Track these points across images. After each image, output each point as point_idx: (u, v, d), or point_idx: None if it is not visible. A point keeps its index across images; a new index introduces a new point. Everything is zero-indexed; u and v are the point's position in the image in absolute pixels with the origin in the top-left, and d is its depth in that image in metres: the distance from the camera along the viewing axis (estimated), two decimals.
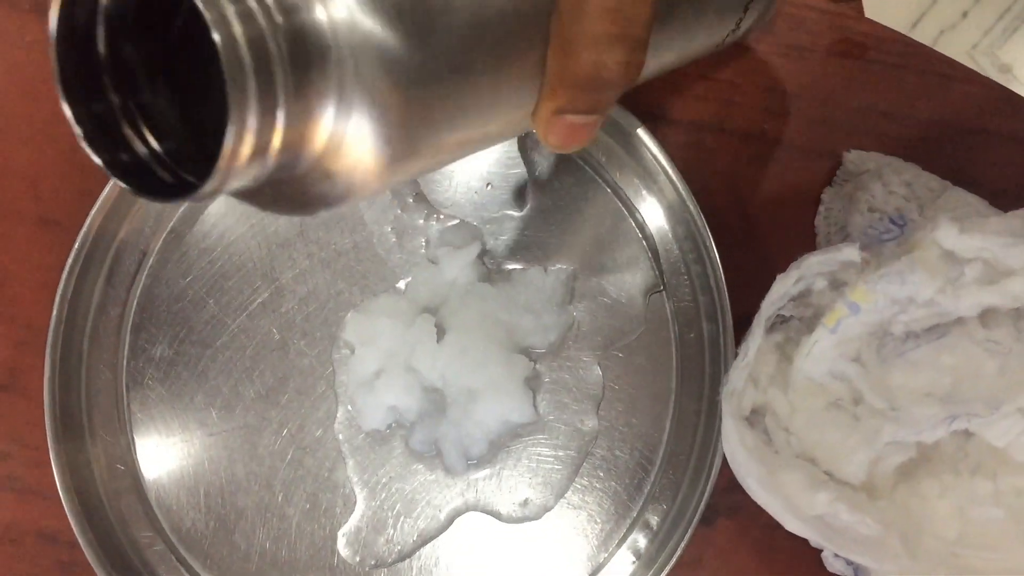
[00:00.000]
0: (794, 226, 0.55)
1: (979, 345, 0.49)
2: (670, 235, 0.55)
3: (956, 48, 1.48)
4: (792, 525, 0.47)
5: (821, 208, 0.55)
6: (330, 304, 0.55)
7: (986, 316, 0.49)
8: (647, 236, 0.56)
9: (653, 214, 0.56)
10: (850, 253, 0.50)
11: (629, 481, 0.53)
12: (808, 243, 0.55)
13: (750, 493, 0.48)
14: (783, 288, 0.50)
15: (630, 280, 0.55)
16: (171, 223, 0.55)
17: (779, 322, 0.52)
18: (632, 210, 0.56)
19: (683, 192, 0.53)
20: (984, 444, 0.48)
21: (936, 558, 0.47)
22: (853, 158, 0.54)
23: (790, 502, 0.47)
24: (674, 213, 0.55)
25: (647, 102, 0.56)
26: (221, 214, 0.55)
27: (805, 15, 0.57)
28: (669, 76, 0.56)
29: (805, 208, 0.55)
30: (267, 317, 0.54)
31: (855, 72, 0.56)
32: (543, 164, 0.56)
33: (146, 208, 0.55)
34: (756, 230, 0.55)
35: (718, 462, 0.50)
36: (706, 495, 0.50)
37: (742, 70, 0.57)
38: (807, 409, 0.50)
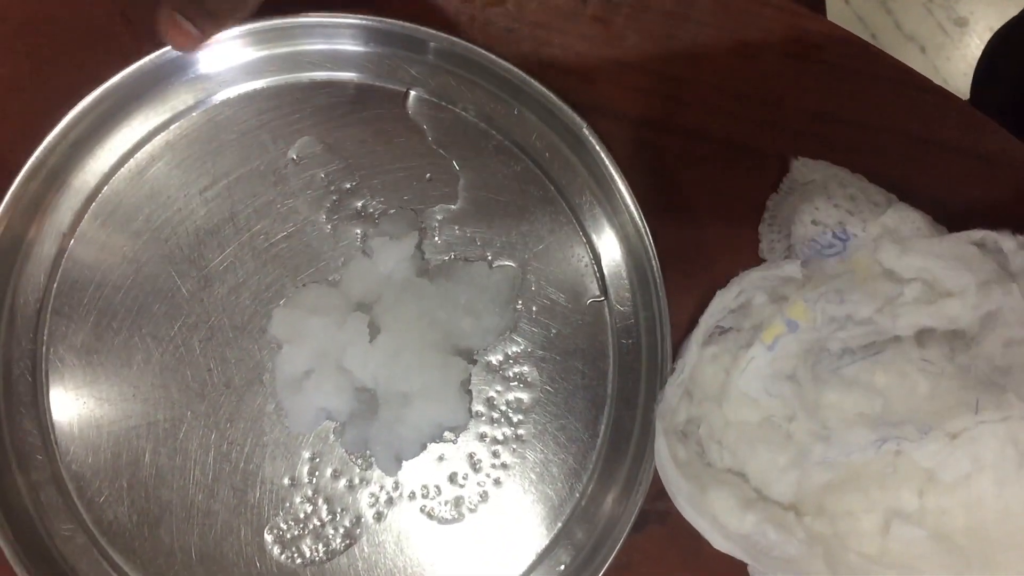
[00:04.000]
0: (739, 230, 0.54)
1: (913, 364, 0.49)
2: (615, 239, 0.54)
3: (912, 1, 1.48)
4: (719, 543, 0.47)
5: (766, 215, 0.54)
6: (260, 295, 0.53)
7: (922, 336, 0.49)
8: (589, 239, 0.54)
9: (596, 218, 0.54)
10: (792, 269, 0.50)
11: (561, 486, 0.53)
12: (752, 248, 0.54)
13: (680, 510, 0.48)
14: (723, 303, 0.50)
15: (570, 283, 0.54)
16: (93, 205, 0.53)
17: (717, 333, 0.52)
18: (576, 211, 0.54)
19: (628, 198, 0.52)
20: (913, 461, 0.48)
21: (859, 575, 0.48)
22: (800, 166, 0.53)
23: (718, 521, 0.47)
24: (618, 218, 0.54)
25: (592, 94, 0.54)
26: (147, 195, 0.53)
27: (761, 11, 0.55)
28: (615, 69, 0.54)
29: (751, 212, 0.54)
30: (194, 306, 0.53)
31: (807, 74, 0.55)
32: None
33: (68, 187, 0.52)
34: (701, 233, 0.54)
35: (651, 471, 0.50)
36: (638, 505, 0.50)
37: (692, 66, 0.55)
38: (741, 424, 0.50)
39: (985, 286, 0.48)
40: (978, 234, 0.49)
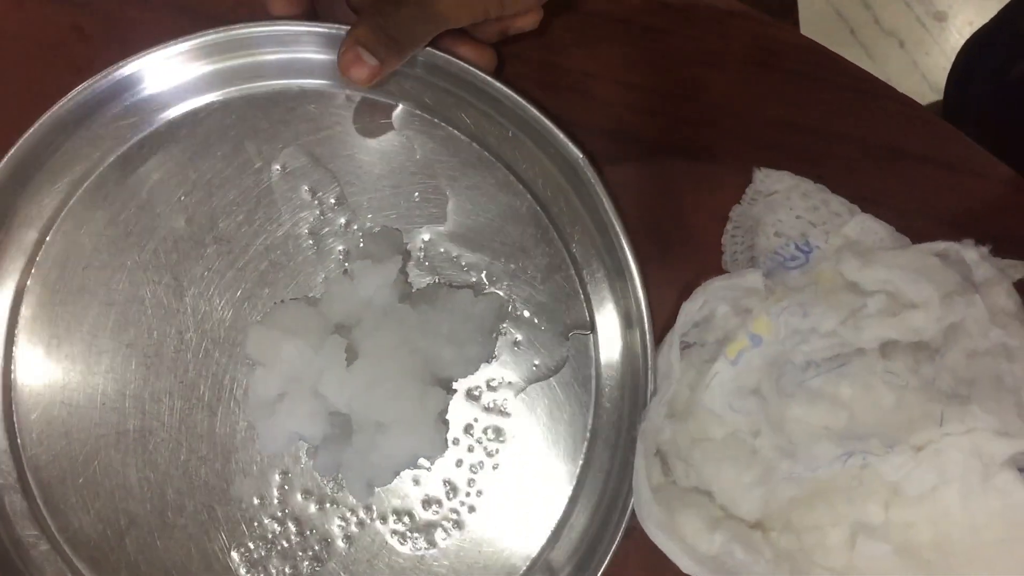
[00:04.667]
0: (705, 243, 0.54)
1: (878, 377, 0.49)
2: (604, 273, 0.53)
3: None
4: (688, 567, 0.46)
5: (729, 226, 0.53)
6: (238, 309, 0.52)
7: (886, 348, 0.49)
8: (579, 271, 0.53)
9: (587, 249, 0.54)
10: (754, 280, 0.49)
11: (538, 514, 0.52)
12: (716, 260, 0.54)
13: (649, 535, 0.47)
14: (688, 314, 0.50)
15: (556, 313, 0.53)
16: (71, 202, 0.52)
17: (681, 348, 0.51)
18: (567, 240, 0.54)
19: (623, 237, 0.51)
20: (879, 475, 0.48)
21: None
22: (763, 177, 0.52)
23: (686, 543, 0.47)
24: (610, 254, 0.53)
25: (557, 107, 0.53)
26: (127, 201, 0.52)
27: (724, 20, 0.55)
28: (580, 80, 0.54)
29: (714, 224, 0.54)
30: (170, 317, 0.52)
31: (772, 83, 0.54)
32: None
33: (49, 187, 0.52)
34: (668, 246, 0.53)
35: (630, 504, 0.49)
36: (619, 534, 0.49)
37: (656, 75, 0.54)
38: (706, 441, 0.50)
39: (948, 298, 0.48)
40: (940, 245, 0.49)
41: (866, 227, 0.50)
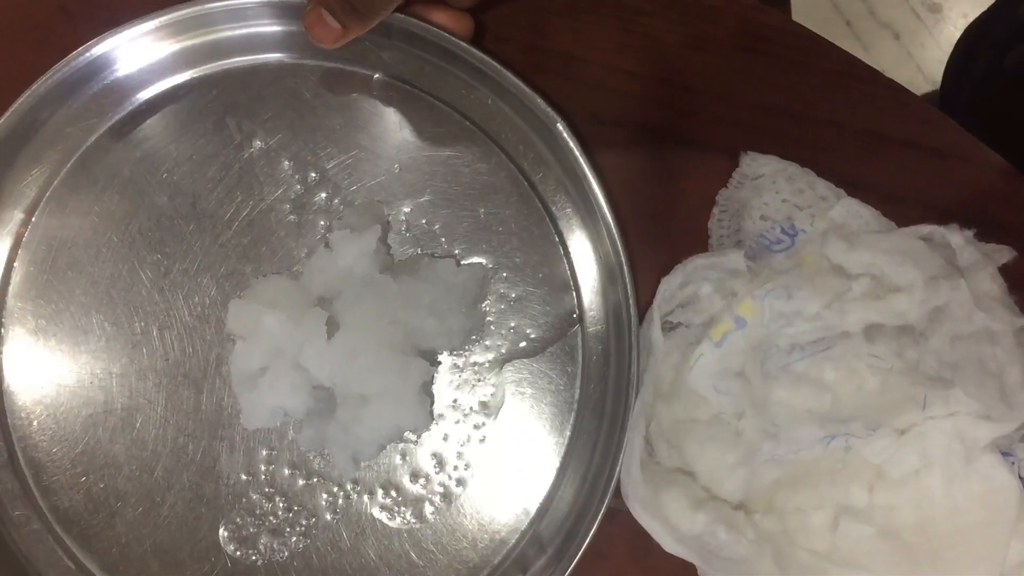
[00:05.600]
0: (692, 228, 0.54)
1: (862, 360, 0.49)
2: (587, 239, 0.53)
3: None
4: (670, 546, 0.47)
5: (715, 210, 0.53)
6: (221, 285, 0.52)
7: (871, 331, 0.49)
8: (562, 238, 0.53)
9: (569, 217, 0.53)
10: (736, 260, 0.49)
11: (526, 488, 0.52)
12: (702, 244, 0.54)
13: (633, 513, 0.47)
14: (669, 290, 0.50)
15: (541, 283, 0.53)
16: (56, 182, 0.52)
17: (667, 328, 0.51)
18: (549, 208, 0.53)
19: (602, 199, 0.51)
20: (862, 457, 0.48)
21: (807, 573, 0.47)
22: (749, 161, 0.52)
23: (669, 522, 0.47)
24: (591, 218, 0.52)
25: (541, 86, 0.53)
26: (109, 179, 0.52)
27: (712, 3, 0.54)
28: (563, 64, 0.53)
29: (701, 207, 0.54)
30: (154, 294, 0.52)
31: (758, 67, 0.54)
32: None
33: (30, 168, 0.52)
34: (655, 231, 0.53)
35: (617, 473, 0.49)
36: (604, 506, 0.49)
37: (643, 60, 0.54)
38: (690, 421, 0.50)
39: (933, 281, 0.48)
40: (925, 229, 0.49)
41: (852, 211, 0.50)
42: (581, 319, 0.53)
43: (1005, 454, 0.48)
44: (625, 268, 0.50)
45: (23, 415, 0.51)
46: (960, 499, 0.47)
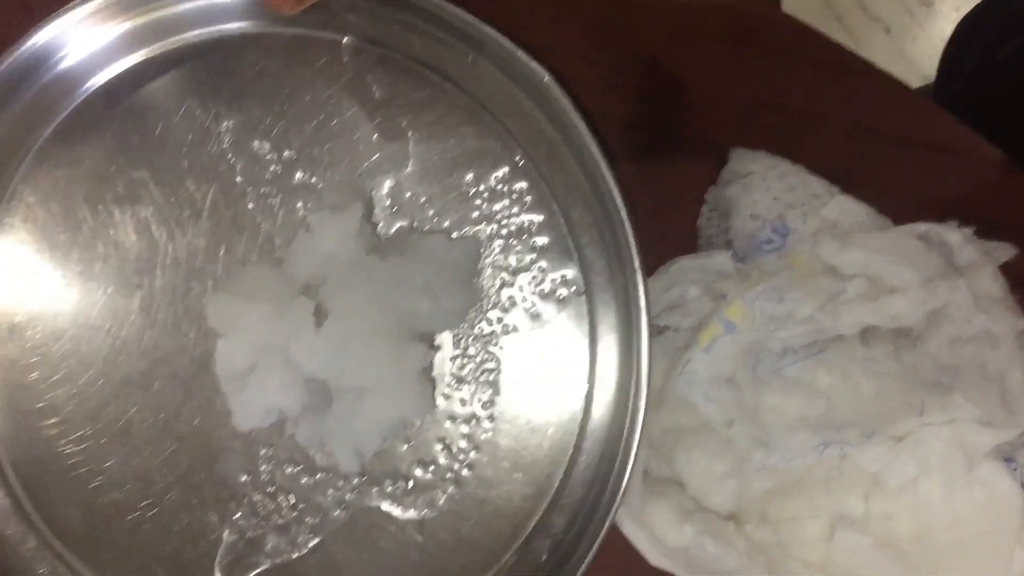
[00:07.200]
0: (680, 227, 0.52)
1: (857, 364, 0.47)
2: (583, 197, 0.49)
3: None
4: (656, 560, 0.45)
5: (704, 209, 0.51)
6: (201, 278, 0.49)
7: (866, 334, 0.47)
8: (558, 199, 0.50)
9: (565, 173, 0.50)
10: (723, 262, 0.48)
11: (538, 472, 0.49)
12: (693, 245, 0.52)
13: (618, 523, 0.46)
14: (654, 292, 0.48)
15: (540, 248, 0.50)
16: (6, 196, 0.49)
17: (656, 332, 0.49)
18: (541, 169, 0.50)
19: (594, 149, 0.47)
20: (858, 465, 0.46)
21: None
22: (738, 157, 0.50)
23: (654, 535, 0.45)
24: (585, 170, 0.49)
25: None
26: (68, 176, 0.49)
27: None
28: (545, 56, 0.51)
29: (689, 206, 0.52)
30: (130, 294, 0.49)
31: (746, 59, 0.52)
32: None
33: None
34: (640, 231, 0.51)
35: (633, 455, 0.45)
36: (621, 491, 0.45)
37: (627, 52, 0.52)
38: (678, 429, 0.48)
39: (930, 282, 0.46)
40: (922, 227, 0.47)
41: (845, 208, 0.49)
42: (584, 283, 0.49)
43: (1007, 460, 0.46)
44: (628, 226, 0.46)
45: (10, 429, 0.49)
46: (961, 508, 0.46)
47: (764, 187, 0.49)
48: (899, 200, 0.51)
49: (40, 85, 0.50)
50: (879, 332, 0.47)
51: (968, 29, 0.87)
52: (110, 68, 0.50)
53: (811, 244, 0.47)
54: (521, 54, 0.48)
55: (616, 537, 0.46)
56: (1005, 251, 0.48)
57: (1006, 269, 0.48)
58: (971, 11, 0.87)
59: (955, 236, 0.47)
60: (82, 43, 0.49)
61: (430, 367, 0.49)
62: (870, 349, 0.47)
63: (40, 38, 0.48)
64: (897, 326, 0.47)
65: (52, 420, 0.49)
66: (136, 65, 0.50)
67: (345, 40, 0.50)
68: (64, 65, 0.50)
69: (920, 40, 1.43)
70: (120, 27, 0.50)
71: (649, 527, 0.45)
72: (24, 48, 0.48)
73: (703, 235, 0.51)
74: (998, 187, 0.52)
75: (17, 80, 0.49)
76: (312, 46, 0.50)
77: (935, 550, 0.46)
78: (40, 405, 0.49)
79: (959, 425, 0.44)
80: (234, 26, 0.50)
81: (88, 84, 0.50)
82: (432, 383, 0.49)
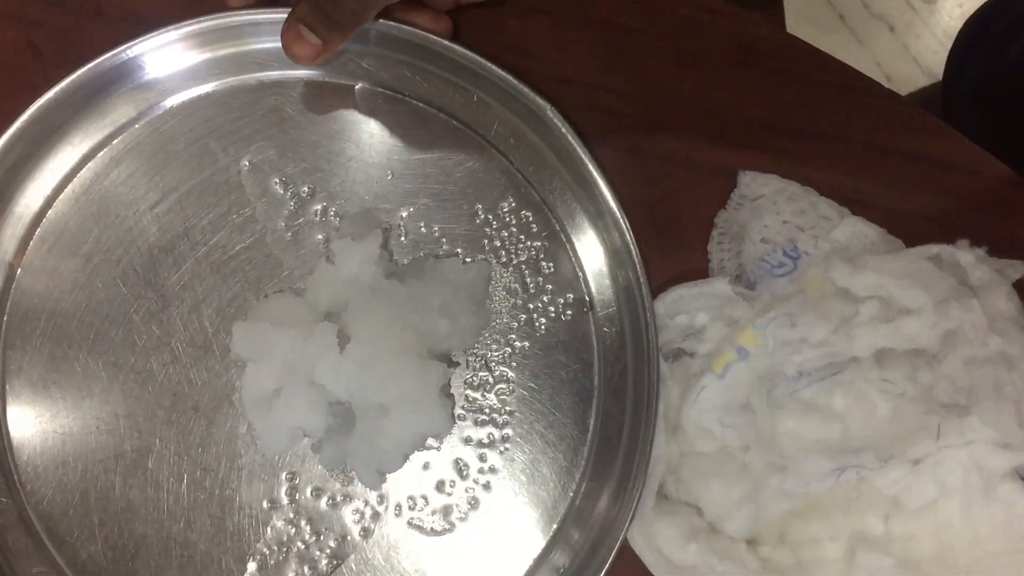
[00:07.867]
0: (689, 252, 0.52)
1: (873, 385, 0.47)
2: (588, 224, 0.52)
3: None
4: None
5: (715, 233, 0.51)
6: (222, 311, 0.51)
7: (882, 356, 0.47)
8: (563, 228, 0.52)
9: (568, 203, 0.52)
10: (721, 287, 0.48)
11: (553, 486, 0.50)
12: (704, 270, 0.52)
13: (630, 540, 0.46)
14: (657, 319, 0.48)
15: (546, 271, 0.52)
16: (38, 230, 0.51)
17: (672, 359, 0.49)
18: (547, 199, 0.52)
19: (600, 180, 0.50)
20: (876, 487, 0.46)
21: None
22: (748, 181, 0.51)
23: (662, 554, 0.45)
24: (592, 202, 0.51)
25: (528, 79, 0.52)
26: (94, 215, 0.51)
27: (701, 17, 0.53)
28: (551, 87, 0.52)
29: (699, 230, 0.52)
30: (153, 328, 0.50)
31: (752, 81, 0.52)
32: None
33: (10, 214, 0.50)
34: (649, 258, 0.51)
35: (646, 465, 0.47)
36: (636, 500, 0.47)
37: (631, 77, 0.52)
38: (695, 455, 0.48)
39: (943, 303, 0.46)
40: (933, 249, 0.47)
41: (856, 231, 0.49)
42: (592, 304, 0.52)
43: None
44: (632, 247, 0.49)
45: (30, 470, 0.49)
46: (981, 528, 0.46)
47: (774, 211, 0.49)
48: (909, 218, 0.51)
49: (69, 129, 0.52)
50: (894, 354, 0.47)
51: (975, 29, 0.87)
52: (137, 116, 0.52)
53: (823, 267, 0.47)
54: (524, 88, 0.50)
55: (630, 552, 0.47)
56: (1018, 269, 0.48)
57: (1020, 286, 0.48)
58: (977, 11, 0.87)
59: (968, 256, 0.47)
60: (113, 89, 0.52)
61: (449, 385, 0.50)
62: (885, 371, 0.47)
63: (77, 80, 0.50)
64: (912, 348, 0.47)
65: (71, 456, 0.49)
66: (159, 116, 0.52)
67: (358, 86, 0.52)
68: (94, 106, 0.52)
69: (924, 36, 1.43)
70: (146, 76, 0.52)
71: (655, 546, 0.45)
72: (60, 88, 0.49)
73: (714, 259, 0.51)
74: (1006, 202, 0.52)
75: (50, 123, 0.51)
76: (326, 92, 0.53)
77: (956, 569, 0.46)
78: (59, 442, 0.49)
79: (976, 448, 0.44)
80: (250, 76, 0.53)
81: (112, 133, 0.52)
82: (452, 400, 0.50)
